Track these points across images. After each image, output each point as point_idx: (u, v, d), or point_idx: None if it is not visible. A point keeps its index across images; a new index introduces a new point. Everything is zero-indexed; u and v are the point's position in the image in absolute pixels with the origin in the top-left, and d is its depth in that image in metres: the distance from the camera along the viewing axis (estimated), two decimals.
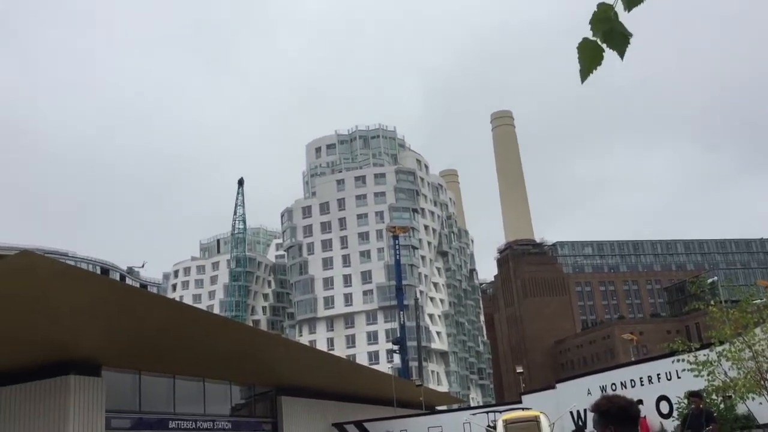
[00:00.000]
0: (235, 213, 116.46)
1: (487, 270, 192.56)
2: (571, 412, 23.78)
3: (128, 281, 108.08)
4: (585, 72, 2.63)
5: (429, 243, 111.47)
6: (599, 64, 2.61)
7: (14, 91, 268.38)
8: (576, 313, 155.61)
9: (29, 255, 16.11)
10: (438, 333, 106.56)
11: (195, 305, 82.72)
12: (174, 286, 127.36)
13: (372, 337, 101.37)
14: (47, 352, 19.75)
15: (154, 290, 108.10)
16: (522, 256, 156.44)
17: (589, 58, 2.60)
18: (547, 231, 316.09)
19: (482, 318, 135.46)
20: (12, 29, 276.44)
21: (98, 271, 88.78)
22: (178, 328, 20.40)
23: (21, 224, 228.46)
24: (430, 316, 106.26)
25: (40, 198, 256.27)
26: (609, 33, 2.56)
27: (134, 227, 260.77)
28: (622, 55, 2.59)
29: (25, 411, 20.58)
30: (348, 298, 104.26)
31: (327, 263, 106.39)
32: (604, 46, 2.59)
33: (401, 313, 78.18)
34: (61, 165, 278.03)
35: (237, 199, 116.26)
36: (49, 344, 19.28)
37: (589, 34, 2.61)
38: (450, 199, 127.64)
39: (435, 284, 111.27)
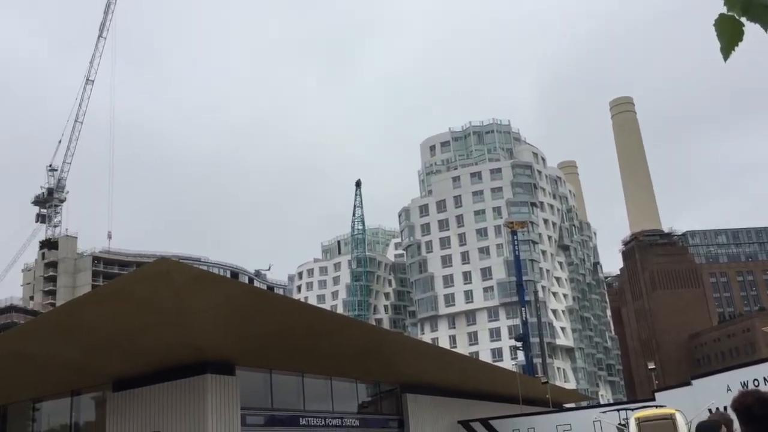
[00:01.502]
0: (353, 214, 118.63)
1: (611, 263, 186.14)
2: (710, 410, 22.52)
3: (256, 284, 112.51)
4: (726, 49, 2.45)
5: (549, 237, 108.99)
6: (740, 39, 2.44)
7: (147, 103, 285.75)
8: (711, 305, 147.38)
9: (166, 262, 17.09)
10: (562, 329, 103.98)
11: (319, 305, 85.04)
12: (299, 288, 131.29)
13: (494, 334, 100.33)
14: (185, 353, 20.86)
15: (280, 292, 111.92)
16: (649, 247, 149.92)
17: (728, 34, 2.43)
18: (675, 220, 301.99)
19: (609, 313, 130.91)
20: (140, 45, 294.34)
21: (228, 275, 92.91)
22: (305, 328, 20.99)
23: (159, 233, 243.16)
24: (554, 311, 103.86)
25: (174, 208, 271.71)
26: (747, 5, 2.38)
27: (260, 232, 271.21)
28: (766, 26, 2.40)
29: (170, 407, 21.86)
30: (468, 295, 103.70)
31: (446, 261, 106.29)
32: (743, 19, 2.41)
33: (523, 309, 76.84)
34: (193, 178, 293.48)
35: (355, 200, 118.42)
36: (186, 346, 20.36)
37: (723, 9, 2.44)
38: (570, 191, 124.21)
39: (557, 279, 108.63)
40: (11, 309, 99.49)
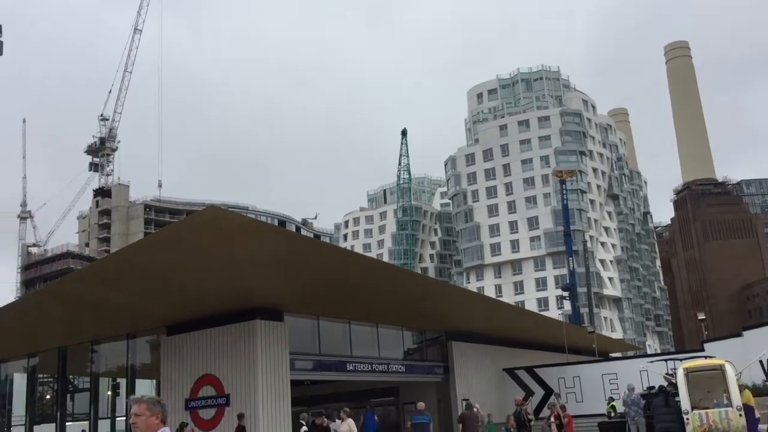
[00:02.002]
0: (399, 163, 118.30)
1: (662, 212, 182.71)
2: (761, 361, 22.22)
3: (303, 232, 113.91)
4: None
5: (598, 186, 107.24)
6: None
7: (194, 51, 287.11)
8: (765, 256, 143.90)
9: (215, 210, 17.35)
10: (610, 279, 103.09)
11: (365, 254, 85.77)
12: (345, 236, 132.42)
13: (540, 284, 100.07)
14: (235, 299, 21.34)
15: (327, 240, 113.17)
16: (702, 196, 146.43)
17: None
18: (730, 169, 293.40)
19: (658, 263, 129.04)
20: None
21: (276, 224, 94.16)
22: (351, 276, 21.22)
23: (207, 182, 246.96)
24: (602, 261, 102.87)
25: (222, 158, 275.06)
26: None
27: (307, 182, 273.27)
28: None
29: (221, 351, 22.51)
30: (515, 245, 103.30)
31: (492, 210, 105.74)
32: None
33: (570, 259, 76.18)
34: (240, 127, 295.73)
35: (401, 149, 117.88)
36: (236, 292, 20.81)
37: None
38: (620, 139, 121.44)
39: (606, 229, 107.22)
40: (68, 255, 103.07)
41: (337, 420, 18.47)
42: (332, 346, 25.67)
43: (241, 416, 19.77)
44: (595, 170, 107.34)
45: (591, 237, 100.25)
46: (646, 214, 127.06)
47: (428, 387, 30.24)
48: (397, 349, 29.66)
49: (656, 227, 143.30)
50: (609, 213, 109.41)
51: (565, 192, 78.95)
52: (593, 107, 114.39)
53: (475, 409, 20.76)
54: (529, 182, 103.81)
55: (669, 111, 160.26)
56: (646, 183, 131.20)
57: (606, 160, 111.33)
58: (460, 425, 20.13)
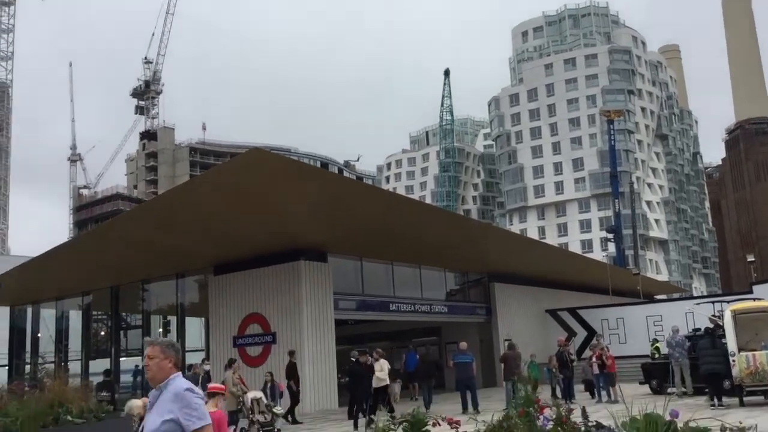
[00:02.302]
0: (442, 104, 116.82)
1: (713, 153, 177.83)
2: None
3: (345, 174, 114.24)
4: None
5: (646, 126, 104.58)
6: None
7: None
8: None
9: (258, 152, 17.47)
10: (656, 221, 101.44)
11: (407, 196, 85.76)
12: (387, 178, 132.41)
13: (585, 226, 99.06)
14: (280, 240, 21.66)
15: (369, 182, 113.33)
16: (755, 135, 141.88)
17: None
18: None
19: (707, 204, 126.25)
20: None
21: (318, 165, 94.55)
22: (394, 218, 21.28)
23: (251, 124, 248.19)
24: (648, 203, 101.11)
25: (265, 100, 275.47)
26: None
27: (349, 123, 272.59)
28: None
29: (267, 291, 23.01)
30: (559, 186, 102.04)
31: (536, 151, 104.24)
32: None
33: (616, 200, 75.02)
34: (283, 69, 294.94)
35: (444, 90, 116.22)
36: (280, 233, 21.11)
37: None
38: (671, 77, 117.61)
39: (653, 170, 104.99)
40: (117, 197, 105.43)
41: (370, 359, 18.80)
42: (375, 287, 25.98)
43: (291, 353, 20.26)
44: (643, 110, 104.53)
45: (638, 178, 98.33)
46: (696, 154, 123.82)
47: (470, 327, 30.52)
48: (440, 290, 29.89)
49: (706, 168, 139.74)
50: (657, 154, 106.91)
51: (612, 132, 77.22)
52: (643, 44, 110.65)
53: (517, 350, 20.88)
54: (574, 122, 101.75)
55: (723, 47, 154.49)
56: (696, 122, 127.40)
57: (655, 99, 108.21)
58: (502, 365, 20.29)
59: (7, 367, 31.72)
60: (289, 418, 18.71)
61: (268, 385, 18.19)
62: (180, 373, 4.24)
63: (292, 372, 19.69)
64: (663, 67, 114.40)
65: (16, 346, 33.89)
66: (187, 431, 3.93)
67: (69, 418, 8.55)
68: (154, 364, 4.13)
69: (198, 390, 4.15)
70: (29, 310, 33.54)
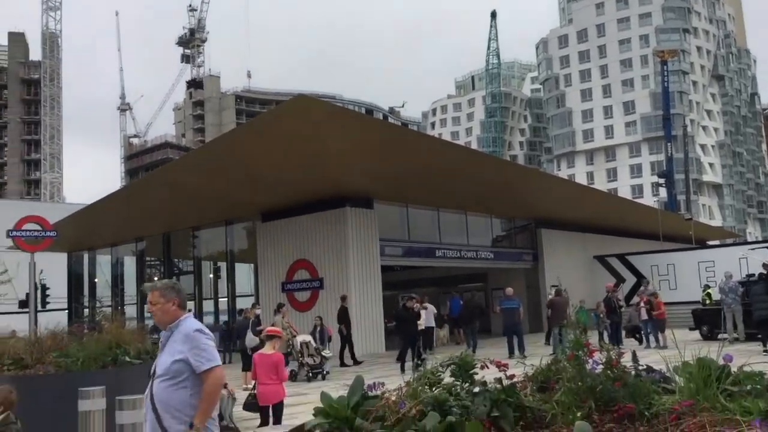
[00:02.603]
0: (488, 48, 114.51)
1: None
2: None
3: (390, 121, 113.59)
4: None
5: (702, 66, 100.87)
6: None
7: None
8: None
9: (304, 98, 17.43)
10: (710, 164, 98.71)
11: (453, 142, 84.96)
12: (432, 124, 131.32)
13: (635, 170, 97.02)
14: (326, 187, 21.77)
15: (414, 129, 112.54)
16: None
17: None
18: None
19: (764, 147, 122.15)
20: None
21: (363, 112, 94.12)
22: (439, 163, 21.15)
23: (296, 72, 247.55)
24: (702, 146, 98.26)
25: (309, 47, 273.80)
26: None
27: (394, 69, 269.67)
28: None
29: (314, 237, 23.29)
30: (609, 131, 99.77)
31: (585, 95, 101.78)
32: None
33: (668, 144, 73.07)
34: (327, 15, 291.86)
35: (490, 33, 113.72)
36: (326, 180, 21.20)
37: None
38: (729, 15, 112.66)
39: (708, 112, 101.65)
40: (166, 145, 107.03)
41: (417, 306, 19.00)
42: (421, 233, 26.04)
43: (344, 298, 20.46)
44: (699, 49, 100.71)
45: (692, 121, 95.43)
46: (754, 95, 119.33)
47: (517, 273, 30.47)
48: (486, 237, 29.80)
49: (764, 109, 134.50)
50: (713, 95, 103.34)
51: (666, 73, 74.71)
52: None
53: (564, 295, 20.79)
54: (626, 64, 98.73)
55: None
56: (755, 62, 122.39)
57: (711, 38, 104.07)
58: (549, 311, 20.26)
59: (66, 311, 33.01)
60: (340, 362, 19.05)
61: (317, 329, 18.54)
62: (190, 313, 4.18)
63: (343, 316, 19.93)
64: (720, 3, 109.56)
65: (75, 290, 35.21)
66: (197, 371, 3.89)
67: (127, 358, 8.86)
68: (157, 309, 4.07)
69: (208, 331, 4.09)
70: (86, 257, 34.68)
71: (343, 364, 19.01)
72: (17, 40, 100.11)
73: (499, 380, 3.48)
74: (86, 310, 33.80)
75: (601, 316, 21.15)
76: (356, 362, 19.11)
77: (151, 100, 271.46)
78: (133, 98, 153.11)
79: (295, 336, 17.02)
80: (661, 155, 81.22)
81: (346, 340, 19.74)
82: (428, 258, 26.36)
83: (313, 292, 23.05)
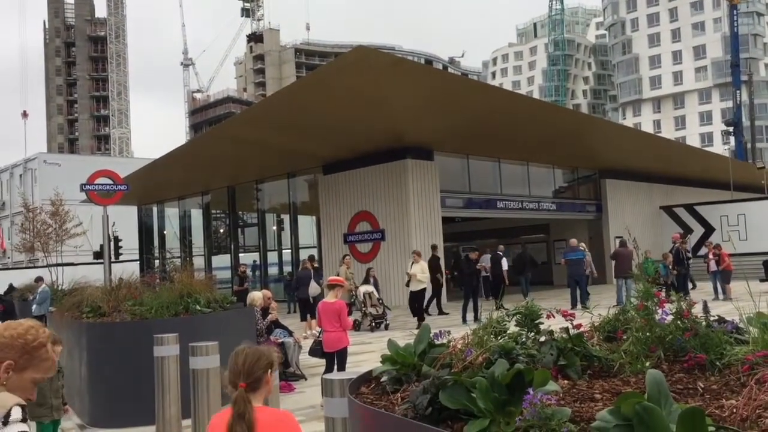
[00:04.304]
0: None
1: None
2: None
3: (450, 71, 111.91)
4: None
5: None
6: None
7: None
8: None
9: (363, 49, 17.32)
10: None
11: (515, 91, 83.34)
12: (493, 74, 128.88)
13: (705, 118, 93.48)
14: (386, 138, 21.76)
15: (475, 78, 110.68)
16: None
17: None
18: None
19: None
20: None
21: (422, 62, 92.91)
22: (501, 114, 20.83)
23: (354, 23, 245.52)
24: None
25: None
26: None
27: (454, 18, 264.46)
28: None
29: (375, 189, 23.40)
30: (677, 77, 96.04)
31: (653, 40, 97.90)
32: None
33: (737, 91, 69.93)
34: None
35: None
36: (386, 131, 21.17)
37: None
38: None
39: None
40: (228, 100, 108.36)
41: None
42: (482, 184, 25.86)
43: (434, 247, 19.84)
44: None
45: (767, 65, 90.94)
46: None
47: (580, 225, 30.04)
48: (548, 187, 29.39)
49: None
50: None
51: (736, 16, 71.05)
52: None
53: (629, 247, 20.42)
54: (697, 6, 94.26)
55: None
56: None
57: None
58: (614, 262, 19.97)
59: (138, 262, 34.26)
60: (429, 312, 18.91)
61: (372, 280, 18.44)
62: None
63: (436, 265, 19.38)
64: None
65: (145, 242, 36.44)
66: None
67: (197, 307, 9.16)
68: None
69: None
70: (155, 209, 35.75)
71: (426, 313, 18.58)
72: None
73: (565, 329, 3.48)
74: (156, 261, 35.00)
75: (669, 267, 20.75)
76: (442, 312, 19.06)
77: (213, 55, 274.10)
78: (195, 54, 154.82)
79: (358, 287, 17.28)
80: (731, 102, 77.87)
81: (437, 290, 19.42)
82: (489, 209, 26.21)
83: (375, 244, 23.27)
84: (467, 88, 21.20)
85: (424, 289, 17.10)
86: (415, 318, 16.67)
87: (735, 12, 70.71)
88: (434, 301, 19.37)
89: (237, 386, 2.76)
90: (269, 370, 2.86)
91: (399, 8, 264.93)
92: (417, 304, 16.93)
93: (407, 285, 17.24)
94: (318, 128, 20.66)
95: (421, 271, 17.01)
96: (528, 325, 3.65)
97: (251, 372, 2.79)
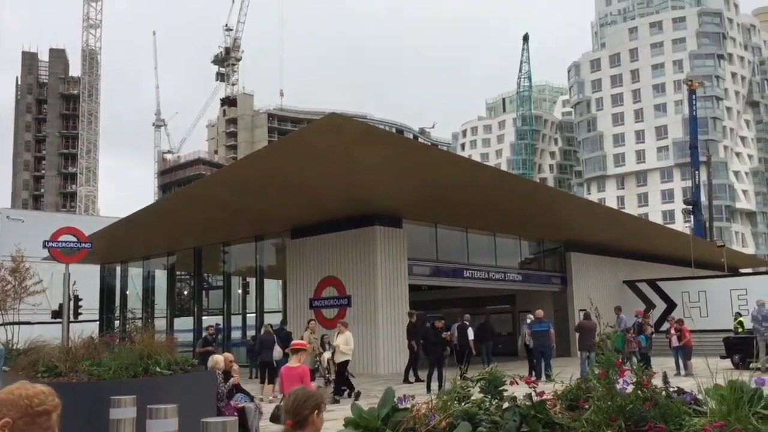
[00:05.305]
0: (520, 70, 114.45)
1: None
2: None
3: (420, 141, 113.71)
4: None
5: (736, 93, 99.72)
6: None
7: None
8: None
9: (335, 116, 17.60)
10: (744, 191, 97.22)
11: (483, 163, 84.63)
12: (462, 146, 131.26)
13: (667, 196, 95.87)
14: (356, 205, 21.90)
15: (444, 149, 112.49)
16: None
17: None
18: None
19: None
20: None
21: (394, 132, 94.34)
22: (469, 184, 21.17)
23: (327, 91, 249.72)
24: (736, 173, 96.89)
25: (343, 68, 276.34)
26: None
27: (424, 90, 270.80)
28: None
29: (343, 255, 23.38)
30: (640, 155, 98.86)
31: (617, 119, 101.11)
32: None
33: (696, 172, 72.15)
34: (357, 36, 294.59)
35: (522, 55, 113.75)
36: (356, 198, 21.34)
37: None
38: (765, 41, 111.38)
39: (742, 138, 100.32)
40: (199, 162, 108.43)
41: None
42: (449, 253, 26.01)
43: (411, 314, 19.77)
44: (733, 75, 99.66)
45: (725, 147, 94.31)
46: None
47: (545, 296, 30.23)
48: (514, 258, 29.66)
49: None
50: (747, 121, 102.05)
51: (694, 101, 73.95)
52: (736, 6, 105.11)
53: (593, 320, 20.57)
54: (659, 89, 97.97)
55: None
56: None
57: (747, 64, 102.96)
58: (578, 335, 20.07)
59: (97, 322, 33.46)
60: (411, 378, 18.77)
61: (326, 347, 18.06)
62: None
63: (412, 332, 19.27)
64: (756, 30, 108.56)
65: (106, 302, 35.70)
66: None
67: (157, 369, 8.98)
68: None
69: None
70: (118, 269, 35.20)
71: (406, 380, 18.73)
72: (58, 56, 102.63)
73: (528, 396, 3.51)
74: (117, 322, 34.24)
75: (631, 340, 20.87)
76: (418, 380, 18.84)
77: (186, 117, 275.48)
78: (168, 115, 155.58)
79: (322, 352, 17.07)
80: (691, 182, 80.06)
81: (414, 356, 19.22)
82: (456, 278, 26.31)
83: (341, 310, 23.11)
84: (437, 158, 21.57)
85: (347, 362, 16.20)
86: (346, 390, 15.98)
87: (694, 96, 73.58)
88: (411, 368, 19.25)
89: (286, 423, 3.02)
90: (316, 411, 3.04)
91: (373, 79, 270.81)
92: (338, 376, 16.05)
93: (332, 356, 16.69)
94: (288, 193, 20.75)
95: (344, 342, 16.14)
96: (492, 391, 3.68)
97: (298, 411, 3.00)
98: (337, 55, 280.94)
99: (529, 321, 21.13)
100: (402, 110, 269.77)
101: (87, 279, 34.18)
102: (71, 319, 22.84)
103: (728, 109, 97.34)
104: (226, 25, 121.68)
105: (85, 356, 9.29)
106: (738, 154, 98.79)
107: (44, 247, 14.32)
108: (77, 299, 31.73)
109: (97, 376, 8.67)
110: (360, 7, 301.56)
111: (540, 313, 20.38)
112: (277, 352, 16.47)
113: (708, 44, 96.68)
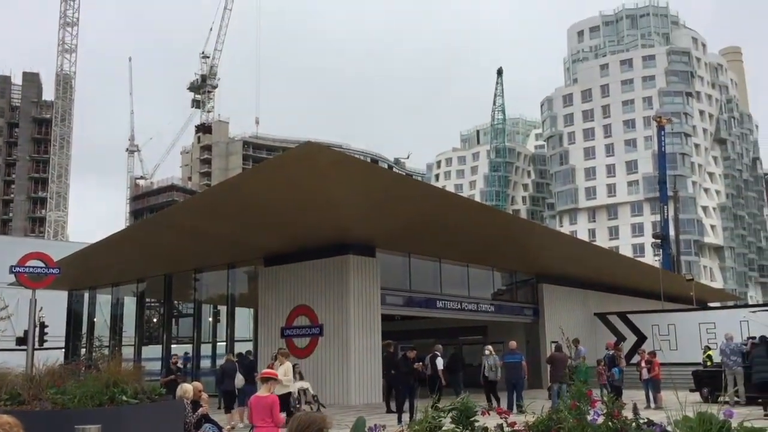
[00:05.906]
0: (494, 103, 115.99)
1: None
2: None
3: (395, 171, 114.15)
4: None
5: (704, 130, 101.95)
6: None
7: None
8: None
9: (311, 145, 17.65)
10: (712, 227, 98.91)
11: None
12: (437, 176, 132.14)
13: (637, 230, 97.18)
14: (329, 233, 21.86)
15: (419, 180, 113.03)
16: None
17: None
18: None
19: (766, 212, 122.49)
20: None
21: (368, 161, 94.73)
22: (443, 214, 21.27)
23: (303, 119, 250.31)
24: (704, 208, 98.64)
25: (317, 96, 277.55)
26: None
27: (399, 121, 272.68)
28: None
29: (315, 283, 23.26)
30: (611, 189, 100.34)
31: (589, 153, 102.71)
32: None
33: (665, 207, 73.39)
34: (335, 68, 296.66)
35: (496, 89, 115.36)
36: (329, 227, 21.31)
37: None
38: (731, 80, 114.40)
39: (710, 174, 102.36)
40: (172, 188, 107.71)
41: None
42: (423, 283, 26.01)
43: (388, 344, 19.56)
44: (701, 112, 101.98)
45: (694, 183, 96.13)
46: (756, 159, 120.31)
47: (517, 328, 30.28)
48: (487, 289, 29.74)
49: (766, 174, 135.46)
50: (715, 158, 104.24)
51: (663, 137, 75.42)
52: (703, 45, 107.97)
53: (564, 352, 20.67)
54: (629, 124, 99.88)
55: None
56: (757, 127, 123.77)
57: (714, 102, 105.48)
58: (549, 366, 20.12)
59: (63, 350, 32.76)
60: (386, 408, 18.66)
61: (297, 377, 18.08)
62: None
63: (390, 362, 19.04)
64: (723, 69, 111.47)
65: (73, 329, 35.01)
66: None
67: (124, 398, 8.81)
68: None
69: None
70: (86, 295, 34.59)
71: (389, 411, 18.39)
72: (31, 80, 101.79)
73: (500, 427, 3.51)
74: (83, 350, 33.56)
75: (601, 372, 20.99)
76: (399, 410, 18.63)
77: (160, 143, 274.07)
78: (142, 141, 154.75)
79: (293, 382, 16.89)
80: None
81: (391, 387, 18.96)
82: (429, 308, 26.28)
83: (313, 339, 22.93)
84: (411, 188, 21.70)
85: (289, 394, 15.14)
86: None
87: (663, 132, 75.05)
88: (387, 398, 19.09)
89: None
90: None
91: (349, 109, 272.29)
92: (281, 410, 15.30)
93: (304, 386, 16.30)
94: (261, 220, 20.67)
95: (284, 373, 14.51)
96: (463, 422, 3.67)
97: None
98: (313, 86, 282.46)
99: (487, 353, 21.01)
100: (378, 140, 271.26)
101: (54, 305, 33.49)
102: (36, 346, 22.34)
103: (696, 145, 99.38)
104: (203, 52, 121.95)
105: (49, 384, 9.07)
106: (706, 190, 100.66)
107: (11, 272, 14.04)
108: (43, 326, 31.07)
109: (62, 405, 8.47)
110: (336, 38, 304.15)
111: (513, 344, 20.43)
112: (239, 380, 16.40)
113: (677, 82, 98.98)
